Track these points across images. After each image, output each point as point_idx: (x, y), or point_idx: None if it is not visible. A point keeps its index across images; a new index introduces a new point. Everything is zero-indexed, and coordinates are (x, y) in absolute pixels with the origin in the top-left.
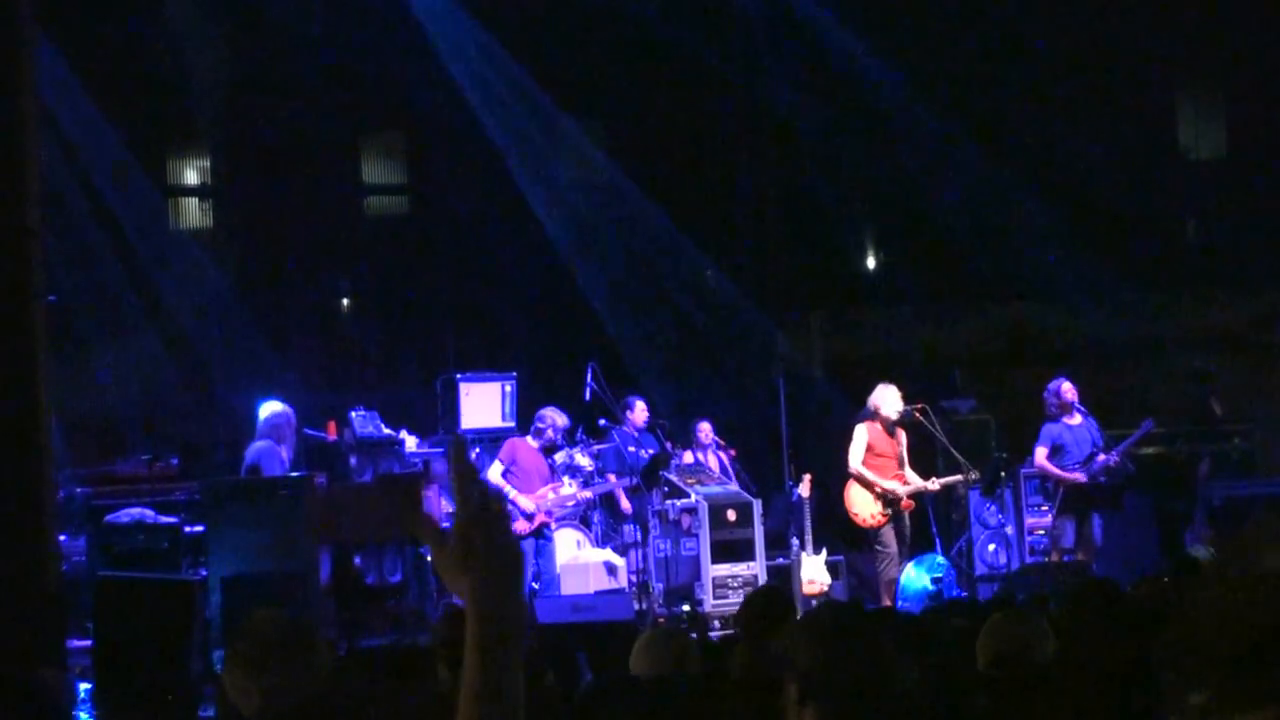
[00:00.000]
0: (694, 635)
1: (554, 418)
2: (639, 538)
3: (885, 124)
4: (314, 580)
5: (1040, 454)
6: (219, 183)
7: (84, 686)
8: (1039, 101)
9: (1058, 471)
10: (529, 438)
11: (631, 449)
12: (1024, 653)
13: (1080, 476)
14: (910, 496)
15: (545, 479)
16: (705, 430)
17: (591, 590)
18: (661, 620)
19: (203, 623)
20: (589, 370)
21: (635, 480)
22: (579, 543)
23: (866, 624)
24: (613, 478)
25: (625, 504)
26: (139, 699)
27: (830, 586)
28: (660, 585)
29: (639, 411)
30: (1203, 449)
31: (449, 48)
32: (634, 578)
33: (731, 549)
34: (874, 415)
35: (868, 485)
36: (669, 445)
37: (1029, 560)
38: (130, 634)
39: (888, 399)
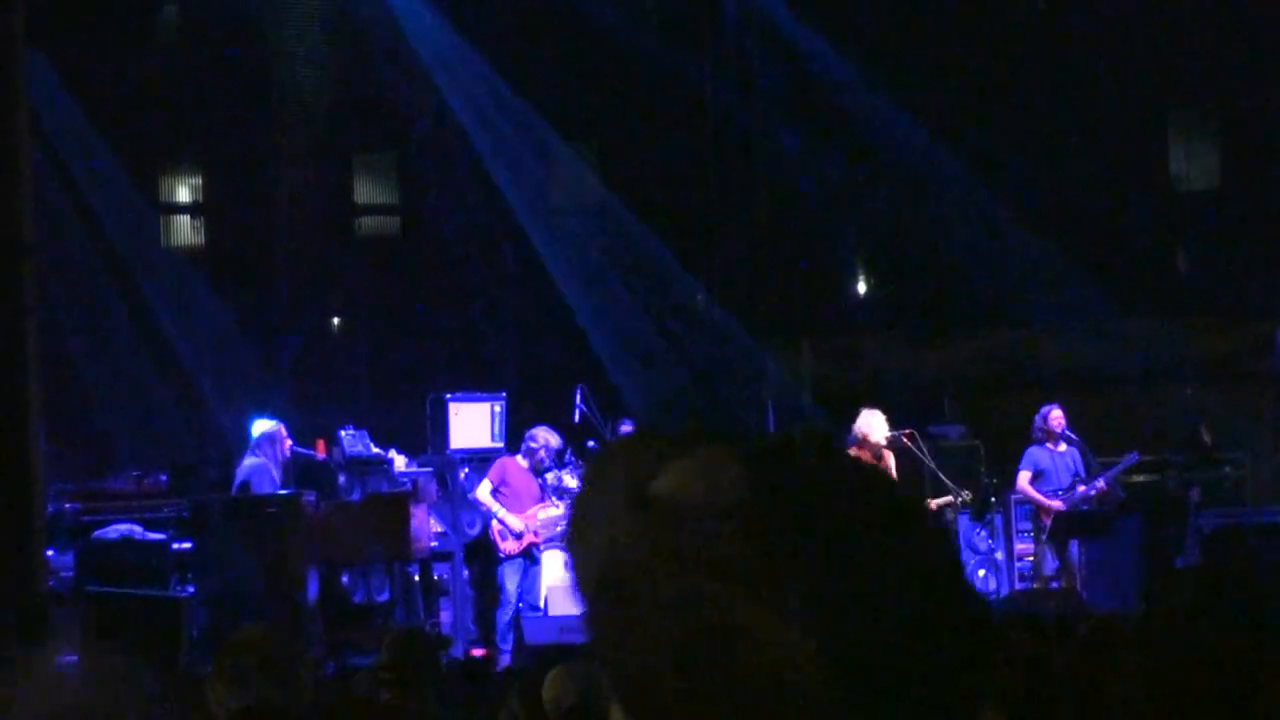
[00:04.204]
0: None
1: (546, 438)
2: None
3: (875, 151)
4: (301, 598)
5: (1024, 477)
6: (211, 200)
7: None
8: (1030, 130)
9: (1039, 496)
10: (519, 457)
11: None
12: None
13: (1059, 504)
14: None
15: (535, 499)
16: None
17: (579, 611)
18: None
19: (189, 639)
20: (578, 392)
21: None
22: (567, 564)
23: None
24: None
25: None
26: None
27: None
28: None
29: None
30: (1193, 477)
31: (441, 69)
32: None
33: None
34: (860, 442)
35: None
36: None
37: (1019, 586)
38: (117, 650)
39: (874, 424)
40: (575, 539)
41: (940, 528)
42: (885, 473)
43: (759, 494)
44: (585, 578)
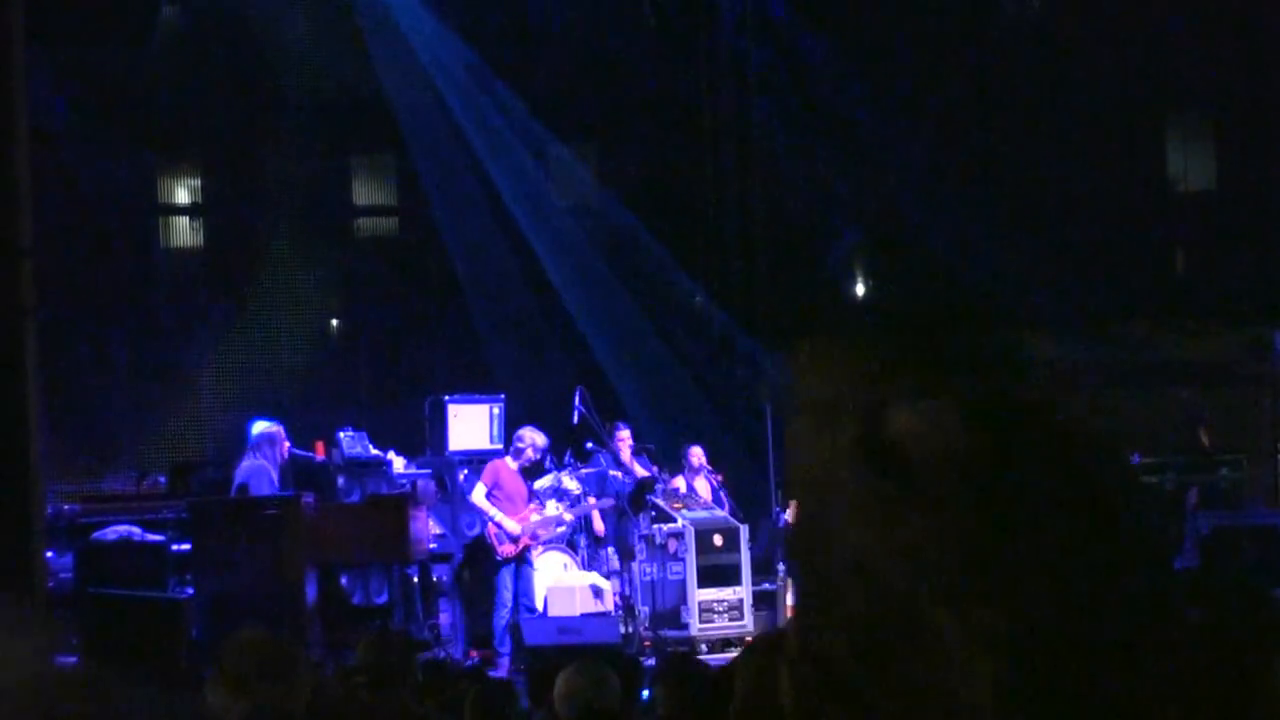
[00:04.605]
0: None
1: (533, 437)
2: (618, 562)
3: (874, 152)
4: (300, 600)
5: None
6: (210, 202)
7: None
8: (1028, 131)
9: None
10: (509, 459)
11: (613, 473)
12: None
13: None
14: None
15: (526, 500)
16: (696, 454)
17: (578, 613)
18: (648, 644)
19: (189, 641)
20: (577, 394)
21: (615, 502)
22: (565, 565)
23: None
24: (592, 499)
25: (599, 525)
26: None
27: None
28: (646, 609)
29: (618, 440)
30: (1191, 479)
31: (441, 70)
32: (620, 601)
33: (718, 574)
34: None
35: None
36: (656, 470)
37: None
38: (117, 651)
39: None
40: (790, 450)
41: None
42: (1126, 460)
43: (982, 484)
44: (797, 506)
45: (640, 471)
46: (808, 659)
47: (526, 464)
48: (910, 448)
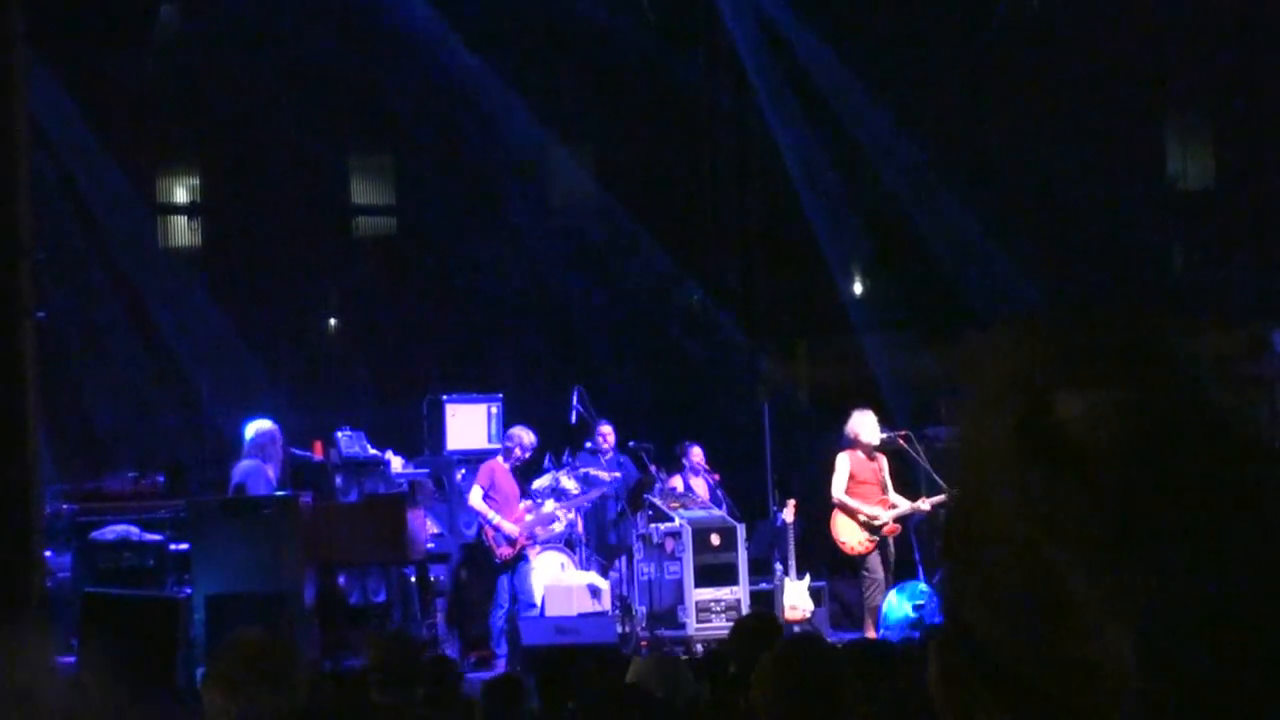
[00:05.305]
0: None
1: (521, 435)
2: (597, 561)
3: (871, 151)
4: (298, 600)
5: None
6: (208, 201)
7: None
8: (1026, 129)
9: None
10: (500, 459)
11: (593, 472)
12: None
13: None
14: (896, 520)
15: (519, 500)
16: (696, 454)
17: (575, 612)
18: (645, 644)
19: (187, 641)
20: (575, 394)
21: (610, 491)
22: (563, 565)
23: (828, 664)
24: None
25: (578, 526)
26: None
27: (813, 613)
28: (643, 608)
29: (600, 438)
30: None
31: (439, 70)
32: (617, 601)
33: (715, 573)
34: (854, 443)
35: (851, 513)
36: (654, 469)
37: None
38: (115, 651)
39: (865, 425)
40: (959, 432)
41: None
42: None
43: (1142, 471)
44: (956, 490)
45: (597, 473)
46: (960, 640)
47: (517, 463)
48: (1074, 433)
